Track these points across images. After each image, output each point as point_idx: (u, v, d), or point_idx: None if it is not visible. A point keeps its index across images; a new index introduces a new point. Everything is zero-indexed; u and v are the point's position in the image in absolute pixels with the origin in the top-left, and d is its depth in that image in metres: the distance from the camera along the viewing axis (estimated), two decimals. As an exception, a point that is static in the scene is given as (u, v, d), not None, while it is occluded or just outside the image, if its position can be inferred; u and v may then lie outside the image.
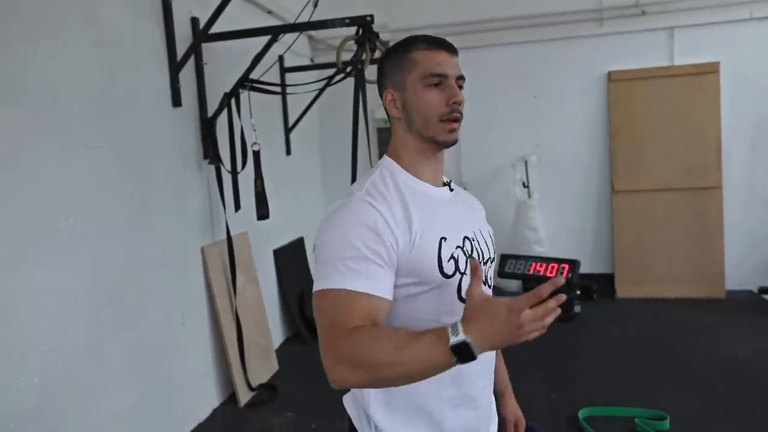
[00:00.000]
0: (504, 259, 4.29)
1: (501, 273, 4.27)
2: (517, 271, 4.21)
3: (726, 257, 4.23)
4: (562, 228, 4.61)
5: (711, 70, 4.22)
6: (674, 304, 4.15)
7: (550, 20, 4.44)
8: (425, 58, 1.01)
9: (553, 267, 4.07)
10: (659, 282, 4.30)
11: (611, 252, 4.50)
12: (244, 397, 2.93)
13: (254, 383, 3.03)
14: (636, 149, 4.36)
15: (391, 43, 1.19)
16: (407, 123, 1.04)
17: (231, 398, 2.95)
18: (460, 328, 0.77)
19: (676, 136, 4.28)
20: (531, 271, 4.13)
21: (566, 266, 4.02)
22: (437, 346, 0.77)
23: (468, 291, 0.83)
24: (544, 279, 4.04)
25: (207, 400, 2.83)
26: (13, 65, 1.76)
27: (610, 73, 4.40)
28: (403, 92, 1.03)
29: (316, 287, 0.91)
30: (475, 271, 0.84)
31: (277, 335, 3.65)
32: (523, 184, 4.52)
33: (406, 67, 1.02)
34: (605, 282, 4.46)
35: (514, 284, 4.39)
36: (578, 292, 3.99)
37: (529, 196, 4.47)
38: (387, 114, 1.08)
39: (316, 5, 2.62)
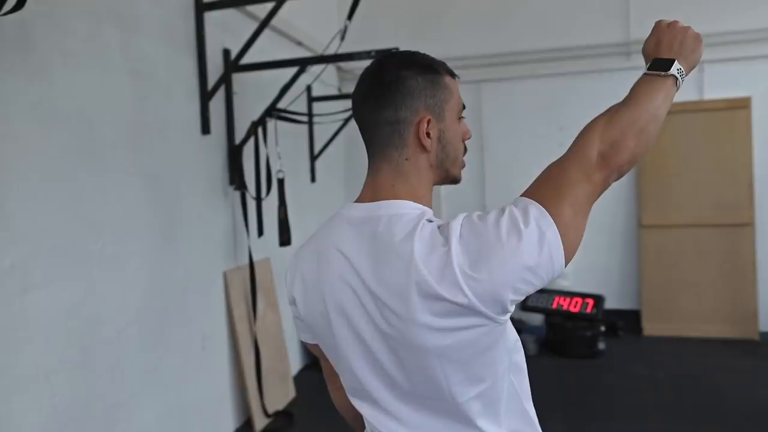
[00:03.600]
0: (527, 291, 4.23)
1: (524, 306, 4.20)
2: (540, 305, 4.14)
3: (759, 296, 4.08)
4: (587, 262, 4.52)
5: (742, 105, 4.15)
6: (704, 343, 4.01)
7: (577, 54, 4.46)
8: (455, 87, 0.89)
9: (577, 301, 3.99)
10: (688, 320, 4.17)
11: (638, 288, 4.40)
12: (260, 423, 2.93)
13: (270, 409, 3.02)
14: (664, 184, 4.29)
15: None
16: (439, 159, 0.87)
17: (247, 424, 2.95)
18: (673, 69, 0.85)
19: (706, 172, 4.20)
20: (554, 306, 4.06)
21: (591, 301, 3.94)
22: (667, 84, 0.85)
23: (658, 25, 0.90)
24: (567, 314, 3.98)
25: (223, 425, 2.84)
26: (53, 93, 1.85)
27: (637, 106, 4.36)
28: (441, 122, 0.86)
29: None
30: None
31: (295, 362, 3.65)
32: (548, 216, 4.48)
33: (440, 92, 0.86)
34: (631, 319, 4.35)
35: (536, 318, 4.32)
36: (603, 329, 3.90)
37: (554, 228, 4.42)
38: (397, 143, 0.86)
39: (343, 38, 2.70)
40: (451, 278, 0.73)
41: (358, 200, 0.89)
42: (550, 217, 0.74)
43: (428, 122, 0.84)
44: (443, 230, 0.78)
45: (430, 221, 0.81)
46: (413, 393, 0.84)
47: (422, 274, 0.75)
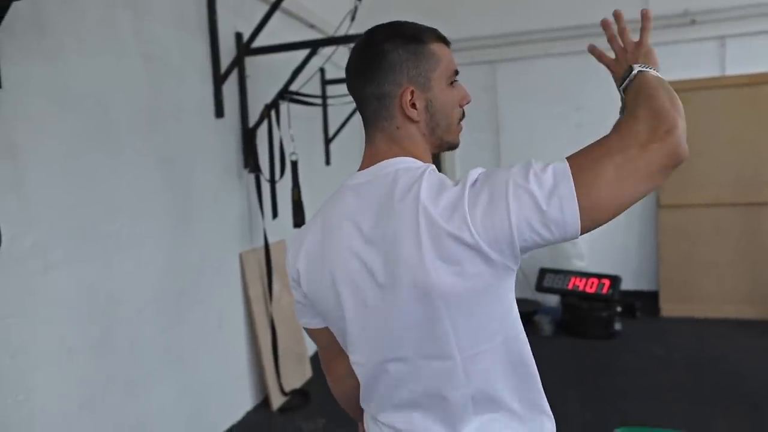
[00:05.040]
0: (542, 273, 4.22)
1: (539, 287, 4.19)
2: (556, 285, 4.12)
3: (781, 277, 4.01)
4: (603, 242, 4.49)
5: (765, 80, 4.04)
6: (723, 324, 3.96)
7: (594, 31, 4.35)
8: (444, 53, 0.89)
9: (593, 282, 3.97)
10: (707, 301, 4.12)
11: (656, 268, 4.35)
12: (277, 401, 2.99)
13: (287, 388, 3.08)
14: (684, 163, 4.20)
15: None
16: (430, 127, 0.88)
17: (264, 402, 3.01)
18: (637, 66, 0.88)
19: (727, 149, 4.11)
20: (570, 286, 4.04)
21: (607, 281, 3.91)
22: (655, 77, 0.86)
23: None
24: (583, 294, 3.96)
25: (241, 403, 2.91)
26: (68, 77, 1.89)
27: (656, 84, 4.27)
28: (428, 92, 0.86)
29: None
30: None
31: (311, 342, 3.69)
32: (564, 197, 4.44)
33: (427, 61, 0.86)
34: (649, 299, 4.31)
35: (552, 299, 4.31)
36: (619, 309, 3.88)
37: (570, 209, 4.38)
38: (386, 115, 0.88)
39: (353, 19, 2.69)
40: (459, 216, 0.74)
41: (359, 170, 0.91)
42: (569, 172, 0.73)
43: (412, 93, 0.86)
44: (459, 179, 0.79)
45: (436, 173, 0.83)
46: (418, 356, 0.83)
47: (429, 213, 0.76)
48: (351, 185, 0.89)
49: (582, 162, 0.74)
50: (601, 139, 0.77)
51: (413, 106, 0.86)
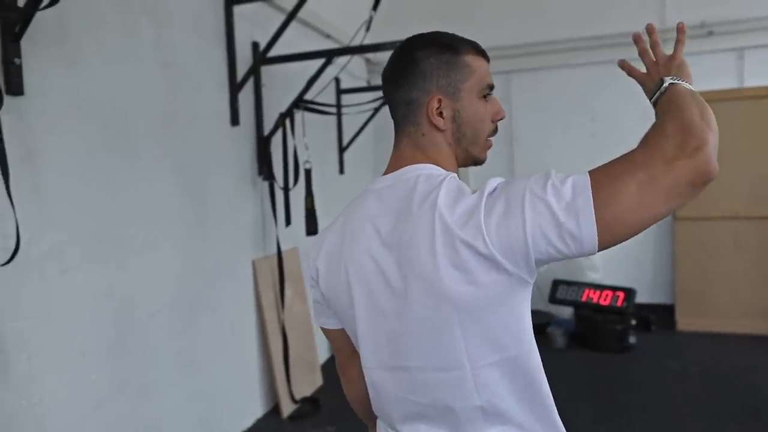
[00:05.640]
0: (556, 284, 4.18)
1: (552, 299, 4.16)
2: (569, 297, 4.08)
3: (801, 292, 3.93)
4: (618, 255, 4.42)
5: (785, 92, 3.99)
6: (740, 339, 3.89)
7: (610, 42, 4.35)
8: (479, 65, 0.89)
9: (607, 294, 3.92)
10: (724, 316, 4.05)
11: (672, 282, 4.29)
12: (287, 409, 2.99)
13: (298, 396, 3.08)
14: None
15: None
16: (456, 137, 0.88)
17: (274, 409, 3.02)
18: (668, 79, 0.87)
19: (745, 162, 4.05)
20: (584, 299, 4.00)
21: (621, 294, 3.87)
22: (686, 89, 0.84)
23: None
24: (597, 307, 3.91)
25: (251, 409, 2.91)
26: (89, 84, 1.93)
27: (673, 95, 4.24)
28: (457, 102, 0.87)
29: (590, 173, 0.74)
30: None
31: (322, 350, 3.71)
32: (578, 208, 4.41)
33: (459, 71, 0.87)
34: (665, 313, 4.25)
35: (566, 311, 4.26)
36: (634, 322, 3.82)
37: (584, 220, 4.35)
38: (413, 121, 0.89)
39: (368, 29, 2.72)
40: (474, 224, 0.74)
41: (384, 173, 0.93)
42: (589, 185, 0.71)
43: (439, 102, 0.86)
44: (478, 189, 0.79)
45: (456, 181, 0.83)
46: (426, 368, 0.83)
47: (445, 219, 0.76)
48: (374, 189, 0.90)
49: (603, 177, 0.73)
50: (626, 153, 0.75)
51: (440, 114, 0.87)
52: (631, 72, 1.00)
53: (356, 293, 0.87)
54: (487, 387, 0.81)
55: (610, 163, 0.75)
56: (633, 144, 0.79)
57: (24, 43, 1.65)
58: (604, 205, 0.71)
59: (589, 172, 0.74)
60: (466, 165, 0.94)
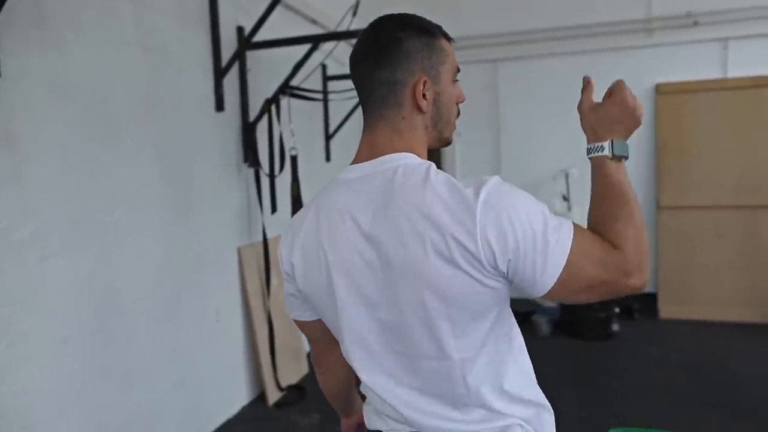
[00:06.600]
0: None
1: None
2: (554, 285, 4.11)
3: (780, 280, 4.01)
4: (603, 243, 4.49)
5: (767, 83, 4.03)
6: (721, 327, 3.96)
7: (596, 31, 4.37)
8: (450, 49, 0.89)
9: (591, 282, 3.96)
10: (706, 304, 4.12)
11: (655, 270, 4.34)
12: (273, 396, 2.99)
13: (284, 383, 3.08)
14: (684, 165, 4.21)
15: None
16: (434, 120, 0.88)
17: (260, 397, 3.02)
18: (600, 143, 0.88)
19: (727, 152, 4.11)
20: (568, 286, 4.03)
21: (605, 282, 3.90)
22: (618, 167, 0.86)
23: (579, 107, 0.93)
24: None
25: (237, 397, 2.91)
26: (68, 67, 1.89)
27: (657, 85, 4.27)
28: (437, 84, 0.87)
29: (556, 247, 0.78)
30: (587, 85, 0.94)
31: (309, 338, 3.71)
32: (564, 197, 4.44)
33: (437, 54, 0.87)
34: (647, 301, 4.31)
35: (550, 299, 4.30)
36: (617, 310, 3.87)
37: (569, 209, 4.38)
38: (394, 102, 0.86)
39: (355, 14, 2.69)
40: (469, 221, 0.76)
41: (356, 161, 0.89)
42: (573, 233, 0.78)
43: (424, 83, 0.85)
44: (469, 181, 0.80)
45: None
46: (418, 355, 0.84)
47: (435, 212, 0.77)
48: (346, 179, 0.88)
49: (582, 251, 0.78)
50: (606, 246, 0.80)
51: (423, 96, 0.85)
52: (583, 96, 0.94)
53: (339, 285, 0.85)
54: (475, 375, 0.84)
55: (593, 246, 0.80)
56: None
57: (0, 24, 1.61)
58: (576, 260, 0.78)
59: (575, 237, 0.79)
60: (434, 148, 0.94)
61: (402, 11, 0.92)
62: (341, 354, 0.93)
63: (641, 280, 0.79)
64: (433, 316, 0.80)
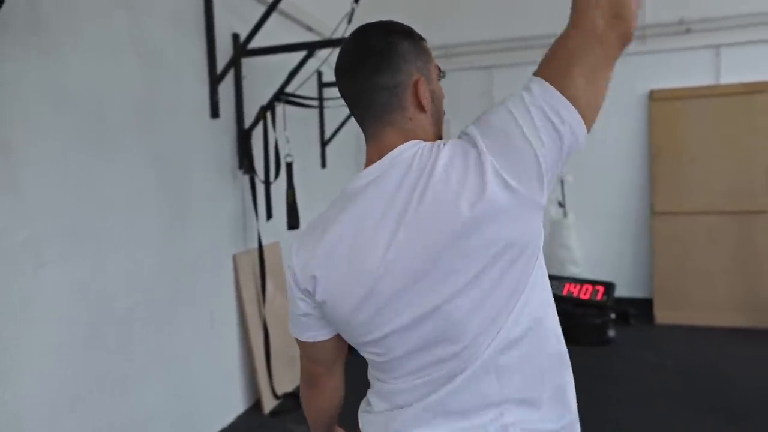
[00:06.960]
0: (537, 278, 4.21)
1: (533, 292, 4.19)
2: (550, 291, 4.11)
3: (774, 285, 4.03)
4: (598, 249, 4.50)
5: (760, 89, 4.07)
6: (717, 332, 3.97)
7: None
8: (431, 51, 0.93)
9: (587, 288, 3.97)
10: (701, 309, 4.13)
11: (650, 276, 4.36)
12: (269, 404, 2.98)
13: (279, 391, 3.07)
14: (678, 170, 4.23)
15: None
16: (435, 118, 0.90)
17: (256, 405, 3.00)
18: None
19: (721, 158, 4.13)
20: (564, 293, 4.04)
21: (601, 288, 3.92)
22: None
23: None
24: (577, 301, 3.96)
25: (232, 405, 2.89)
26: (64, 74, 1.89)
27: (651, 92, 4.30)
28: (431, 83, 0.89)
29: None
30: None
31: (305, 345, 3.70)
32: (559, 203, 4.45)
33: (424, 54, 0.89)
34: (643, 307, 4.31)
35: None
36: (613, 316, 3.88)
37: (565, 215, 4.40)
38: (399, 106, 0.86)
39: (350, 22, 2.70)
40: (490, 180, 0.77)
41: (367, 168, 0.87)
42: (552, 89, 0.77)
43: (423, 83, 0.87)
44: (464, 138, 0.82)
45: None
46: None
47: (463, 184, 0.77)
48: (362, 184, 0.85)
49: (553, 78, 0.78)
50: (561, 40, 0.80)
51: (424, 95, 0.87)
52: None
53: (379, 284, 0.81)
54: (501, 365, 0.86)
55: (551, 58, 0.79)
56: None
57: (-6, 30, 1.61)
58: (575, 98, 0.77)
59: (547, 72, 0.79)
60: None
61: (396, 18, 0.93)
62: (341, 375, 0.96)
63: (623, 29, 0.76)
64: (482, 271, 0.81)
